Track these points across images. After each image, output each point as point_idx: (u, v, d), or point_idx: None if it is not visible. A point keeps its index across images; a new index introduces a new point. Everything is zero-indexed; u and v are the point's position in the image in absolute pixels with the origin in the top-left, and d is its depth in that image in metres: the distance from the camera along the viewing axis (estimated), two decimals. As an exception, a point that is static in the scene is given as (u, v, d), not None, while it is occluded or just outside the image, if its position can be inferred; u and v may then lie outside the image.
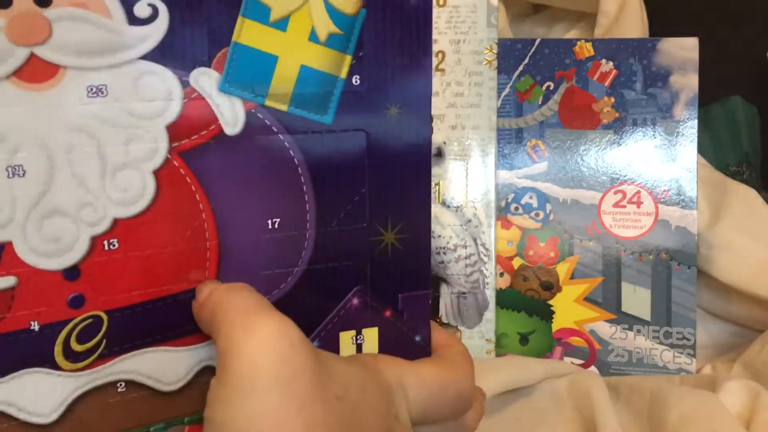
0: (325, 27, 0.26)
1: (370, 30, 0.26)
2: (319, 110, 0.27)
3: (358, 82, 0.27)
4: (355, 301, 0.29)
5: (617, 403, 0.43)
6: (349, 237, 0.28)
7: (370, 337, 0.29)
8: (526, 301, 0.48)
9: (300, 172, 0.27)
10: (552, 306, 0.48)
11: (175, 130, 0.25)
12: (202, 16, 0.24)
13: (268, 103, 0.26)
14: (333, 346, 0.29)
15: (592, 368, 0.48)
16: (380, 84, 0.27)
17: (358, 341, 0.29)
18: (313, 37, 0.26)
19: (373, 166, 0.28)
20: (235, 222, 0.26)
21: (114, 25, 0.23)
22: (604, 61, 0.48)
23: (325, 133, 0.27)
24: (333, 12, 0.26)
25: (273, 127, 0.26)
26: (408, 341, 0.30)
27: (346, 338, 0.29)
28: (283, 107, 0.26)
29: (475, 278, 0.47)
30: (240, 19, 0.25)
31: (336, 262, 0.28)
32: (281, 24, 0.25)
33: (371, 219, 0.28)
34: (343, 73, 0.27)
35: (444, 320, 0.48)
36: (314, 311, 0.28)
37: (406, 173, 0.29)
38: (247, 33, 0.25)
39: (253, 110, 0.26)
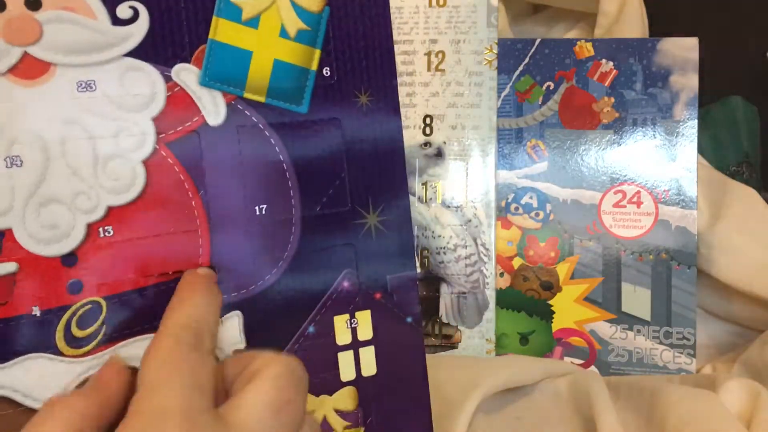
0: (294, 24, 0.28)
1: (335, 25, 0.29)
2: (295, 101, 0.29)
3: (329, 73, 0.29)
4: (346, 284, 0.30)
5: (617, 403, 0.43)
6: (334, 220, 0.30)
7: (364, 320, 0.30)
8: (526, 301, 0.48)
9: (282, 159, 0.29)
10: (552, 306, 0.48)
11: (161, 122, 0.27)
12: (179, 16, 0.26)
13: (247, 95, 0.28)
14: (328, 332, 0.30)
15: (592, 368, 0.47)
16: (349, 74, 0.29)
17: (353, 325, 0.30)
18: (284, 34, 0.28)
19: (350, 152, 0.30)
20: (224, 209, 0.28)
21: (99, 26, 0.25)
22: (604, 61, 0.48)
23: (302, 122, 0.29)
24: (299, 10, 0.28)
25: (253, 118, 0.28)
26: (400, 323, 0.31)
27: (341, 323, 0.30)
28: (261, 99, 0.28)
29: (475, 278, 0.47)
30: (215, 18, 0.27)
31: (324, 246, 0.30)
32: (253, 22, 0.27)
33: (353, 202, 0.30)
34: (314, 66, 0.29)
35: (444, 320, 0.48)
36: (307, 296, 0.29)
37: (381, 156, 0.30)
38: (222, 31, 0.27)
39: (233, 102, 0.28)
